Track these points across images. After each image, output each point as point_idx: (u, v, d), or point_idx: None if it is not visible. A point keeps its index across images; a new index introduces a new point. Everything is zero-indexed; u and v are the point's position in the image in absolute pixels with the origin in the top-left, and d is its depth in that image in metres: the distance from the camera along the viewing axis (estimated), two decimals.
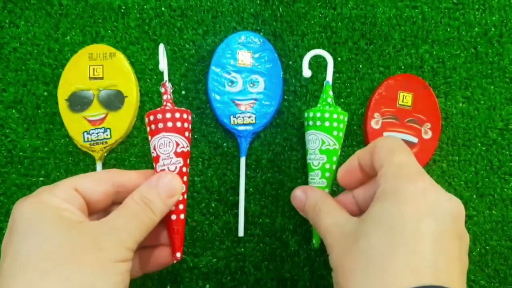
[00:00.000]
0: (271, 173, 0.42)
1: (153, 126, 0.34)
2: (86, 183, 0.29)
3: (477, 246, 0.42)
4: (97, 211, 0.31)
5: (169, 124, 0.34)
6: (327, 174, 0.36)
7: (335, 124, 0.36)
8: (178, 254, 0.35)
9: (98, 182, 0.30)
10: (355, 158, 0.32)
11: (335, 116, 0.36)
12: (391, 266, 0.24)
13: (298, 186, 0.35)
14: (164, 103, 0.35)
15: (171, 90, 0.36)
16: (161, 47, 0.36)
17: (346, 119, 0.36)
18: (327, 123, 0.35)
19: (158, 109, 0.35)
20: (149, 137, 0.35)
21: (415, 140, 0.42)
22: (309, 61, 0.37)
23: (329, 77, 0.37)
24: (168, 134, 0.34)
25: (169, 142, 0.34)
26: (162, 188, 0.31)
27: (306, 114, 0.37)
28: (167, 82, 0.36)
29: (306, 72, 0.37)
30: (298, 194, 0.34)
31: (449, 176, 0.43)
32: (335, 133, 0.36)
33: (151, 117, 0.34)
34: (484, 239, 0.42)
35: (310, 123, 0.36)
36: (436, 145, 0.42)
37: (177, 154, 0.34)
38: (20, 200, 0.27)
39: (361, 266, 0.25)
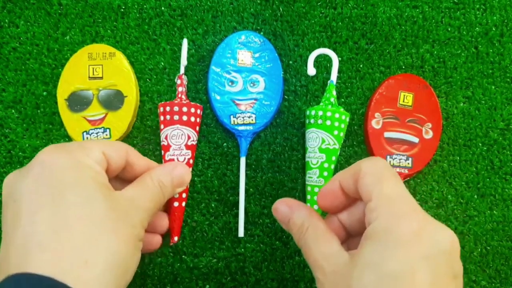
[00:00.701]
0: (271, 173, 0.42)
1: (167, 117, 0.37)
2: (110, 151, 0.29)
3: (478, 247, 0.42)
4: None
5: (184, 118, 0.37)
6: (325, 174, 0.36)
7: (336, 124, 0.36)
8: (176, 238, 0.38)
9: (118, 153, 0.30)
10: (336, 181, 0.29)
11: (337, 115, 0.36)
12: None
13: (280, 200, 0.30)
14: (180, 95, 0.38)
15: (186, 83, 0.39)
16: (185, 41, 0.38)
17: (348, 119, 0.36)
18: (328, 122, 0.35)
19: (175, 101, 0.37)
20: (161, 126, 0.38)
21: (416, 140, 0.42)
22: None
23: (334, 76, 0.37)
24: (182, 127, 0.37)
25: (182, 134, 0.37)
26: (176, 176, 0.33)
27: (307, 112, 0.37)
28: (184, 75, 0.38)
29: (311, 71, 0.37)
30: (282, 209, 0.30)
31: (450, 176, 0.43)
32: (335, 132, 0.36)
33: (167, 108, 0.37)
34: (485, 239, 0.42)
35: (312, 121, 0.36)
36: (437, 145, 0.42)
37: (187, 147, 0.37)
38: (51, 151, 0.26)
39: None
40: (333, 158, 0.36)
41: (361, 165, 0.27)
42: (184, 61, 0.39)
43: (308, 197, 0.39)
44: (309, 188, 0.38)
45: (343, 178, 0.28)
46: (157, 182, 0.31)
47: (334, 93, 0.37)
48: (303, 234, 0.28)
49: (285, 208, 0.30)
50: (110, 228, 0.25)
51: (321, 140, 0.36)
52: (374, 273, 0.23)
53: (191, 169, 0.38)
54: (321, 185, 0.36)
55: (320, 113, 0.36)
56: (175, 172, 0.33)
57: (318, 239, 0.27)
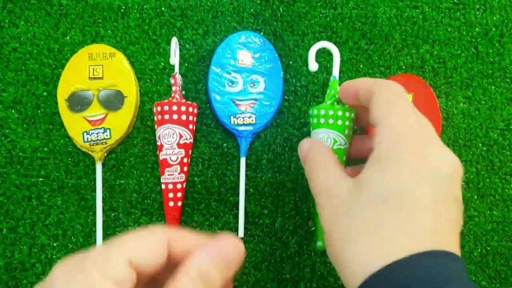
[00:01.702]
0: (271, 173, 0.42)
1: (159, 117, 0.37)
2: (141, 254, 0.22)
3: (478, 247, 0.42)
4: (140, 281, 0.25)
5: (175, 116, 0.37)
6: None
7: (347, 123, 0.34)
8: None
9: (154, 251, 0.23)
10: (355, 86, 0.30)
11: (347, 114, 0.34)
12: (390, 235, 0.23)
13: (308, 138, 0.32)
14: (173, 95, 0.38)
15: (181, 82, 0.39)
16: (174, 40, 0.38)
17: (353, 115, 0.35)
18: (339, 122, 0.34)
19: (166, 100, 0.37)
20: (155, 126, 0.37)
21: None
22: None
23: (336, 71, 0.35)
24: (172, 126, 0.37)
25: (173, 134, 0.37)
26: (226, 259, 0.23)
27: (315, 111, 0.35)
28: (177, 74, 0.38)
29: (313, 66, 0.35)
30: (305, 145, 0.31)
31: None
32: (346, 131, 0.34)
33: (158, 108, 0.37)
34: (485, 239, 0.42)
35: (321, 120, 0.34)
36: None
37: (179, 145, 0.37)
38: (63, 271, 0.21)
39: (355, 235, 0.24)
40: (344, 158, 0.34)
41: (375, 89, 0.28)
42: (173, 60, 0.39)
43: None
44: None
45: (362, 91, 0.29)
46: (197, 279, 0.22)
47: (339, 89, 0.35)
48: (313, 164, 0.30)
49: (307, 144, 0.31)
50: None
51: (333, 140, 0.34)
52: (374, 190, 0.24)
53: (185, 167, 0.38)
54: None
55: (331, 112, 0.34)
56: (222, 253, 0.23)
57: (325, 166, 0.29)
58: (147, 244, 0.22)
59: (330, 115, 0.34)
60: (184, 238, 0.24)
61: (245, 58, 0.42)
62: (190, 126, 0.39)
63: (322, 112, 0.34)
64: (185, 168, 0.39)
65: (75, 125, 0.41)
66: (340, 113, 0.34)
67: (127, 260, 0.21)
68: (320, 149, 0.30)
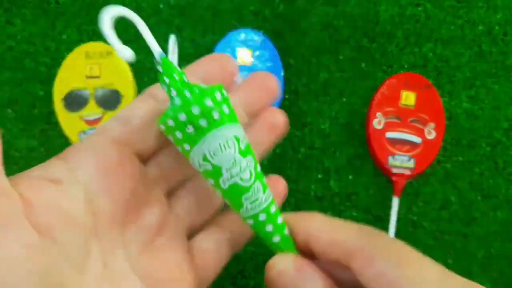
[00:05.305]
0: (271, 173, 0.41)
1: None
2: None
3: (482, 248, 0.42)
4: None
5: None
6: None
7: (226, 109, 0.20)
8: None
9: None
10: (301, 235, 0.19)
11: (218, 96, 0.20)
12: None
13: (281, 255, 0.21)
14: None
15: None
16: (172, 38, 0.37)
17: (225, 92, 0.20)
18: (226, 110, 0.20)
19: None
20: None
21: (418, 140, 0.41)
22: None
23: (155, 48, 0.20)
24: None
25: None
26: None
27: (170, 123, 0.19)
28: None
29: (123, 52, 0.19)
30: (284, 271, 0.20)
31: (453, 177, 0.42)
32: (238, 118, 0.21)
33: None
34: (489, 241, 0.42)
35: (189, 129, 0.19)
36: (440, 146, 0.41)
37: None
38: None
39: None
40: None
41: (352, 244, 0.18)
42: (171, 58, 0.39)
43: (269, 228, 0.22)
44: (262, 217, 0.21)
45: (318, 244, 0.19)
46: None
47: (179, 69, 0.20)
48: None
49: (290, 270, 0.19)
50: None
51: (235, 140, 0.20)
52: None
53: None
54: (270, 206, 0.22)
55: (196, 110, 0.19)
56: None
57: None
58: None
59: (200, 114, 0.19)
60: None
61: (244, 56, 0.41)
62: None
63: (183, 117, 0.19)
64: None
65: (72, 125, 0.40)
66: (209, 103, 0.19)
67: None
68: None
